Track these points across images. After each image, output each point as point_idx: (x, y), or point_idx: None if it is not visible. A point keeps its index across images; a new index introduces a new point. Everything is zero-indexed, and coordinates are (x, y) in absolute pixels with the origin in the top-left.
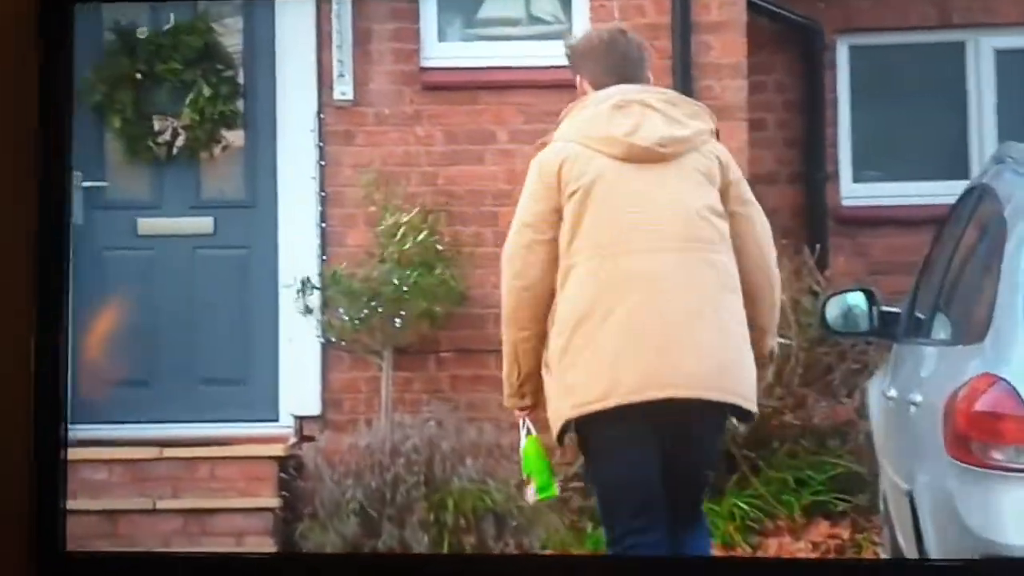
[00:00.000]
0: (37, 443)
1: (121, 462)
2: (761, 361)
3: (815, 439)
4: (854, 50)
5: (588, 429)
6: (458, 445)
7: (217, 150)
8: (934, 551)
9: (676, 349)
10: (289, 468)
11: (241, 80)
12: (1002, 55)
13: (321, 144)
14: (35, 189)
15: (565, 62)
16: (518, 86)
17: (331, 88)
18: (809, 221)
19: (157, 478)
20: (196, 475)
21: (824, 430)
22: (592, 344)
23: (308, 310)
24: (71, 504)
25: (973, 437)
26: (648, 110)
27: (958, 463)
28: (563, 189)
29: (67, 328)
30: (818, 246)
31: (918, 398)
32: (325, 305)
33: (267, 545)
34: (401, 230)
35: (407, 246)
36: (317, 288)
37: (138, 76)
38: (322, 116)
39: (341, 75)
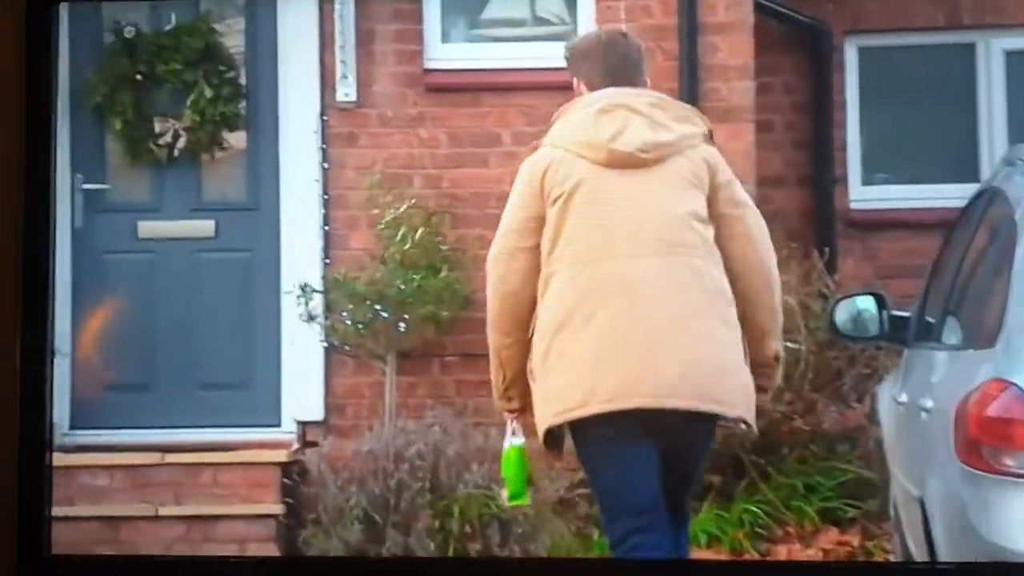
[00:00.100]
0: (22, 445)
1: (122, 468)
2: (767, 364)
3: (825, 445)
4: (863, 51)
5: (580, 433)
6: (463, 450)
7: (219, 152)
8: (945, 558)
9: (656, 356)
10: (292, 474)
11: (243, 81)
12: (1012, 56)
13: (324, 146)
14: (22, 188)
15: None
16: (523, 88)
17: (334, 89)
18: (817, 224)
19: (159, 484)
20: (198, 481)
21: (834, 435)
22: (572, 350)
23: (311, 317)
24: (72, 510)
25: (984, 443)
26: (633, 114)
27: (969, 469)
28: (547, 195)
29: (53, 330)
30: (827, 249)
31: (929, 403)
32: (328, 309)
33: (270, 552)
34: (401, 230)
35: (407, 246)
36: (318, 292)
37: (139, 77)
38: (325, 118)
39: (344, 76)
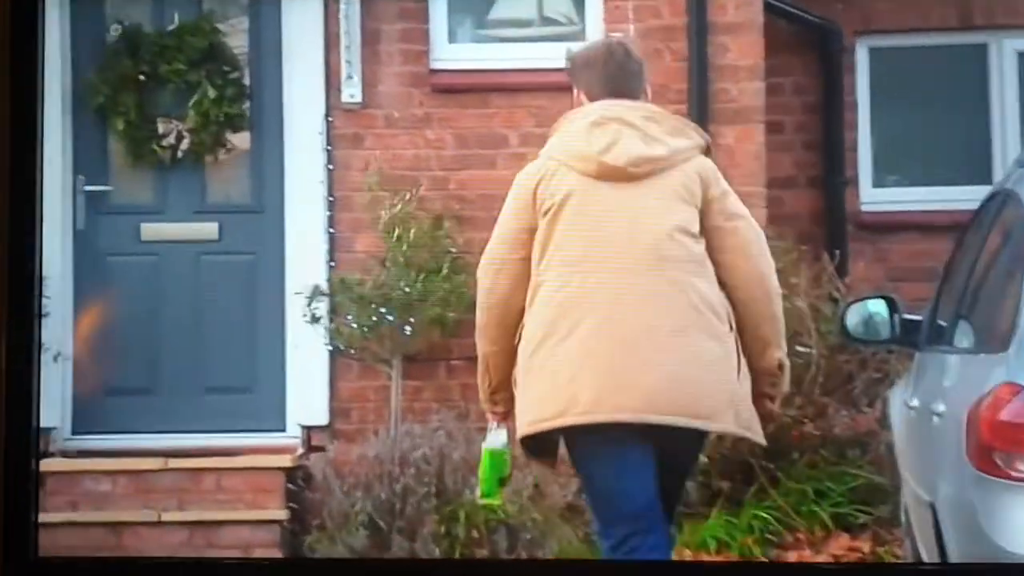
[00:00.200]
0: (7, 445)
1: (125, 473)
2: (771, 373)
3: (835, 449)
4: (874, 52)
5: (571, 441)
6: (469, 455)
7: (222, 153)
8: None
9: (633, 369)
10: (297, 479)
11: (247, 82)
12: None
13: (329, 147)
14: (7, 185)
15: None
16: (530, 89)
17: (339, 90)
18: (828, 226)
19: (162, 489)
20: (202, 486)
21: (844, 440)
22: (552, 361)
23: (315, 319)
24: (75, 516)
25: (997, 447)
26: (626, 128)
27: (981, 474)
28: (539, 206)
29: (39, 330)
30: (837, 252)
31: (940, 408)
32: (333, 312)
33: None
34: (396, 231)
35: (405, 247)
36: (326, 295)
37: (142, 77)
38: (330, 119)
39: (349, 77)
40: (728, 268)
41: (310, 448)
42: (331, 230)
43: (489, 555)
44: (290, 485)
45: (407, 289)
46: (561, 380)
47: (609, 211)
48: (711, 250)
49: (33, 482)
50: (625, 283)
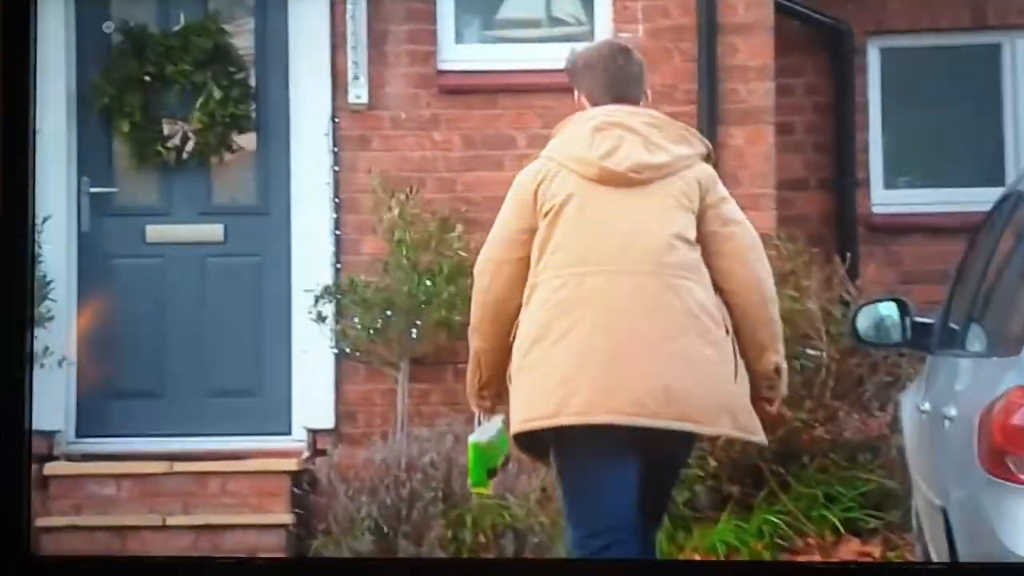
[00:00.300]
0: (2, 442)
1: (130, 477)
2: (768, 377)
3: (846, 453)
4: (885, 52)
5: (557, 443)
6: None
7: (228, 155)
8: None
9: (626, 373)
10: (302, 483)
11: (253, 82)
12: None
13: (335, 149)
14: None
15: None
16: (538, 90)
17: (346, 91)
18: (839, 229)
19: (167, 493)
20: (207, 490)
21: (855, 444)
22: (545, 363)
23: (322, 318)
24: (79, 520)
25: (1009, 451)
26: (629, 133)
27: (993, 478)
28: (539, 207)
29: (32, 328)
30: (848, 254)
31: (952, 412)
32: (339, 314)
33: None
34: (397, 234)
35: (406, 251)
36: (337, 297)
37: (147, 78)
38: (336, 120)
39: (356, 77)
40: (725, 273)
41: (316, 452)
42: (337, 232)
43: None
44: (296, 489)
45: (412, 292)
46: (556, 381)
47: (608, 215)
48: (708, 255)
49: (27, 478)
50: (622, 287)
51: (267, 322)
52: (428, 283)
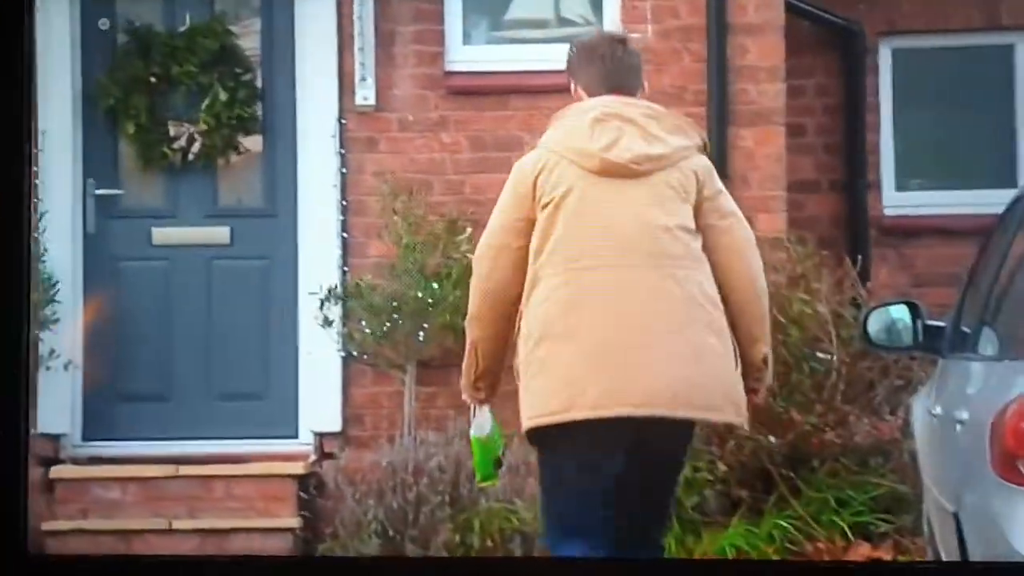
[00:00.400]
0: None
1: (135, 480)
2: (756, 368)
3: (857, 458)
4: (897, 53)
5: (551, 440)
6: None
7: (234, 156)
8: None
9: (638, 365)
10: (309, 487)
11: (259, 84)
12: None
13: (342, 151)
14: None
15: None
16: (546, 90)
17: (353, 92)
18: (850, 231)
19: (172, 497)
20: (213, 494)
21: (866, 448)
22: (555, 358)
23: (328, 322)
24: (85, 523)
25: (1021, 456)
26: (628, 125)
27: (1006, 483)
28: (538, 199)
29: (29, 328)
30: (860, 257)
31: (964, 415)
32: (346, 317)
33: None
34: (404, 239)
35: (412, 255)
36: (342, 299)
37: (152, 79)
38: (343, 121)
39: (363, 79)
40: (723, 268)
41: (322, 455)
42: (344, 235)
43: None
44: (302, 493)
45: (420, 295)
46: (564, 377)
47: (609, 208)
48: (704, 249)
49: (23, 473)
50: (627, 279)
51: (274, 325)
52: (435, 286)
